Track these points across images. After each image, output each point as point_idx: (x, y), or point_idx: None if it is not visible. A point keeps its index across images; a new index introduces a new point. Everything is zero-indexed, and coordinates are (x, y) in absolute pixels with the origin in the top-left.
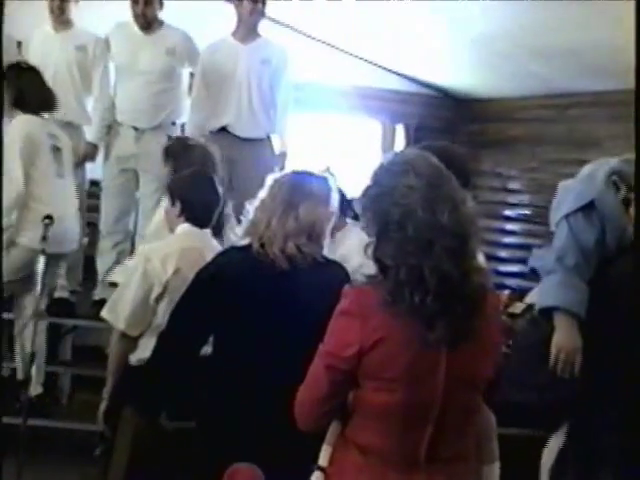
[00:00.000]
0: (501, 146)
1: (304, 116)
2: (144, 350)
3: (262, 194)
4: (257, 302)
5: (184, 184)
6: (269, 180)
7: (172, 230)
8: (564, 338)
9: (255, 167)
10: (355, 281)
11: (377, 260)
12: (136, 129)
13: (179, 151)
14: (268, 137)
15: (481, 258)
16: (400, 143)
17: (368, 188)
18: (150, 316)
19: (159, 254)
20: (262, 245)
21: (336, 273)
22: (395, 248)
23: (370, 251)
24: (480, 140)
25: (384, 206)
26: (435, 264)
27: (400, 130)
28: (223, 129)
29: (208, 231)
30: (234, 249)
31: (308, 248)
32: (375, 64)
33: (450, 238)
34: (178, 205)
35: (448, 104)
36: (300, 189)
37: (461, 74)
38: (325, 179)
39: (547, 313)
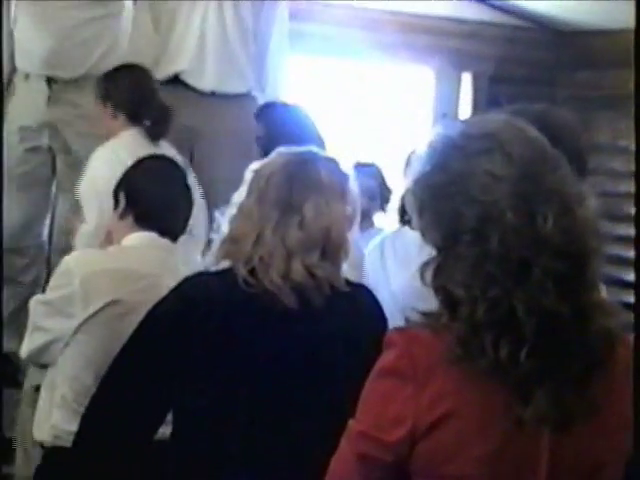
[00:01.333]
0: (628, 106)
1: (308, 61)
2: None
3: (239, 195)
4: (251, 359)
5: (130, 170)
6: (248, 173)
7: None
8: None
9: (231, 141)
10: (407, 321)
11: (441, 289)
12: (51, 82)
13: None
14: (250, 93)
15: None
16: (466, 102)
17: (426, 175)
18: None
19: (85, 269)
20: (252, 271)
21: (367, 306)
22: (469, 271)
23: (429, 274)
24: (593, 97)
25: (453, 204)
26: (533, 297)
27: (467, 81)
28: (176, 79)
29: (172, 247)
30: (207, 276)
31: (323, 270)
32: None
33: (557, 257)
34: (122, 201)
35: (543, 40)
36: (301, 179)
37: None
38: (334, 160)
39: None
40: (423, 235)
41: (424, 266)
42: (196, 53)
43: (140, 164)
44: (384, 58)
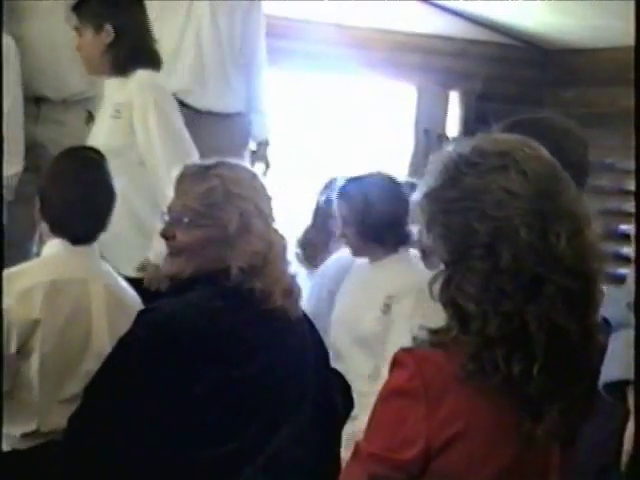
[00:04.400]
0: (614, 123)
1: (295, 78)
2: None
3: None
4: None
5: (44, 170)
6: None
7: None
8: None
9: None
10: (415, 339)
11: (450, 303)
12: (40, 102)
13: None
14: (242, 112)
15: None
16: (454, 120)
17: (436, 190)
18: (9, 382)
19: (15, 289)
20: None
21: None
22: (480, 285)
23: (438, 288)
24: (580, 114)
25: (465, 219)
26: (544, 314)
27: (454, 100)
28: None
29: (91, 249)
30: (199, 294)
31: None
32: None
33: (569, 275)
34: (37, 203)
35: (530, 59)
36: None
37: (552, 11)
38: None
39: (616, 390)
40: (431, 249)
41: (432, 280)
42: (194, 72)
43: (54, 164)
44: (371, 76)
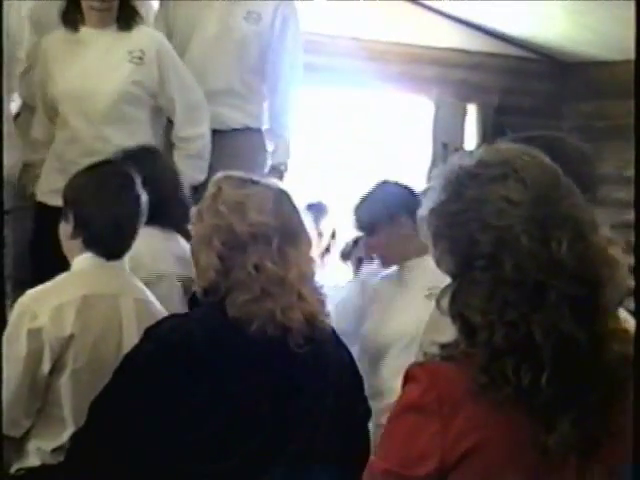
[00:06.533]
0: (632, 136)
1: (313, 92)
2: (29, 455)
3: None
4: (235, 396)
5: (82, 184)
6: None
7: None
8: None
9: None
10: (426, 355)
11: (457, 315)
12: None
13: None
14: (258, 129)
15: (625, 315)
16: (472, 133)
17: (441, 204)
18: (39, 400)
19: (48, 307)
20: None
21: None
22: (485, 296)
23: (445, 301)
24: (598, 127)
25: (468, 230)
26: (549, 321)
27: (472, 113)
28: None
29: (122, 264)
30: (184, 319)
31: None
32: (428, 7)
33: (572, 281)
34: (71, 219)
35: (548, 71)
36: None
37: (569, 24)
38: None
39: None
40: (438, 263)
41: (441, 294)
42: (207, 89)
43: (88, 178)
44: (388, 89)
